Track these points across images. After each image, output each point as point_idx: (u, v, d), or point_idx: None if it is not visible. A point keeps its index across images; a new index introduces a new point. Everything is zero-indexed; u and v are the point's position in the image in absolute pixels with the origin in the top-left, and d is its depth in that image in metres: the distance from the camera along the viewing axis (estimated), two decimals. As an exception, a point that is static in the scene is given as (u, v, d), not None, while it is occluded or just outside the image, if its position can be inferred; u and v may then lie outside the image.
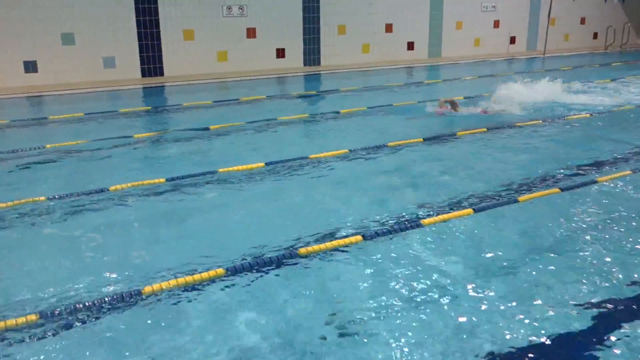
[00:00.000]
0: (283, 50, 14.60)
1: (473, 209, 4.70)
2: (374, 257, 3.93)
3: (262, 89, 11.68)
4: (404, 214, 4.70)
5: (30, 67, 11.99)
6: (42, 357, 2.87)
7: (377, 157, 6.43)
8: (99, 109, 9.57)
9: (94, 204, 5.01)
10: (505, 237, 4.28)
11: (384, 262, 3.85)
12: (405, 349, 2.89)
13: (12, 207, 4.92)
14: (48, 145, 7.05)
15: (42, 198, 5.08)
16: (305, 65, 15.00)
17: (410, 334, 3.03)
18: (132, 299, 3.38)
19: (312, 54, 15.03)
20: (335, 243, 4.09)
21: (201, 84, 12.54)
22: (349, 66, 15.07)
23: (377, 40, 15.93)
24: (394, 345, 2.93)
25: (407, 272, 3.70)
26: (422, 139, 7.12)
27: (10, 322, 3.13)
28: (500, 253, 3.98)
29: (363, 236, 4.19)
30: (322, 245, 4.04)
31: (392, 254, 3.96)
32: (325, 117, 8.85)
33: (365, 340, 2.98)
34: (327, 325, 3.13)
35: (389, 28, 16.09)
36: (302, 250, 3.97)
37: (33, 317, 3.18)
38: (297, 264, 3.84)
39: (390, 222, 4.51)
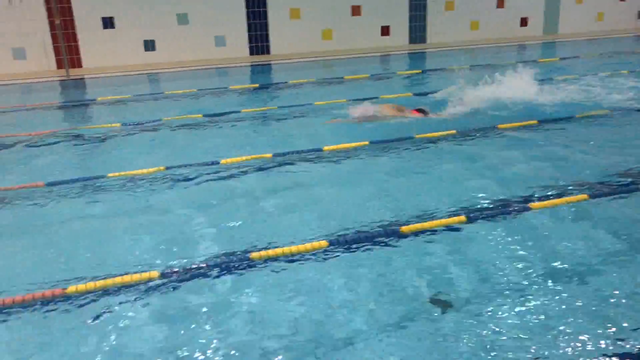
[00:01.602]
0: (388, 27, 14.46)
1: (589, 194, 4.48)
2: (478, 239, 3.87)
3: (365, 68, 11.67)
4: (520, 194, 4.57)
5: (150, 45, 12.77)
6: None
7: (486, 139, 6.26)
8: (210, 86, 10.03)
9: (207, 175, 5.30)
10: None
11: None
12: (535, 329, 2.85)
13: (143, 174, 5.32)
14: (164, 118, 7.50)
15: (162, 168, 5.45)
16: (410, 43, 14.77)
17: (531, 316, 2.97)
18: (241, 266, 3.58)
19: (417, 31, 14.76)
20: (437, 223, 4.07)
21: (306, 62, 12.73)
22: (456, 44, 14.65)
23: (487, 16, 15.32)
24: (509, 324, 2.90)
25: (517, 254, 3.62)
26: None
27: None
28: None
29: (467, 217, 4.13)
30: (426, 224, 4.04)
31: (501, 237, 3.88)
32: (428, 97, 8.69)
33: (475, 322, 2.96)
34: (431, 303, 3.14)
35: (500, 3, 15.42)
36: (404, 229, 3.98)
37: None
38: (399, 240, 3.87)
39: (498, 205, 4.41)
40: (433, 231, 3.97)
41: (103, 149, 6.44)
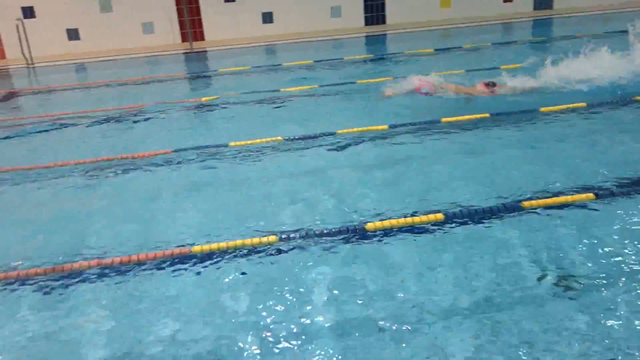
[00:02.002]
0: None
1: None
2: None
3: (486, 36, 11.17)
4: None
5: (267, 18, 13.08)
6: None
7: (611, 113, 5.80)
8: (326, 57, 10.11)
9: (322, 145, 5.39)
10: None
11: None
12: None
13: (256, 144, 5.53)
14: (282, 89, 7.68)
15: (279, 138, 5.61)
16: (535, 9, 13.90)
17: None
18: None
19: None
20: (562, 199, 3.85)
21: (422, 32, 12.43)
22: (588, 9, 13.55)
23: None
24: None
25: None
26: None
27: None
28: None
29: (596, 195, 3.87)
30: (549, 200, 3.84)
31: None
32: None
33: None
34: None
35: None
36: (526, 204, 3.81)
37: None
38: (520, 215, 3.72)
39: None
40: (559, 207, 3.76)
41: (224, 119, 6.74)
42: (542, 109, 5.90)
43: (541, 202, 3.82)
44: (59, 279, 3.37)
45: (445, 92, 6.68)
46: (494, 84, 6.63)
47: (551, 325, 2.65)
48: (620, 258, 3.16)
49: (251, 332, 2.77)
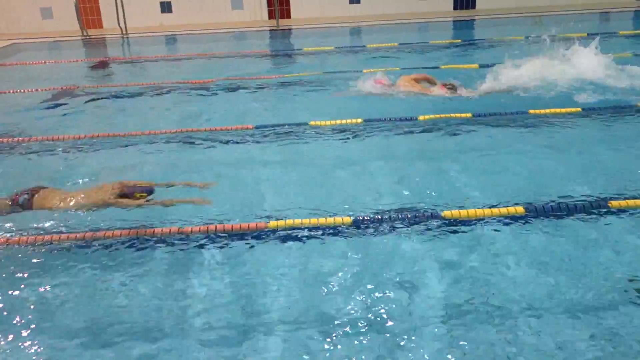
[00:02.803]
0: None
1: None
2: None
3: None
4: None
5: (354, -2, 13.04)
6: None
7: None
8: (411, 40, 9.96)
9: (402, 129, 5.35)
10: None
11: None
12: None
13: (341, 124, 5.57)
14: (365, 70, 7.63)
15: (360, 120, 5.61)
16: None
17: None
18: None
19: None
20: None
21: (512, 17, 11.95)
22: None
23: None
24: None
25: None
26: None
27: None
28: None
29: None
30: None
31: None
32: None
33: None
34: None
35: None
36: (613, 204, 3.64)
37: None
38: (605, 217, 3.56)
39: None
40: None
41: (305, 97, 6.79)
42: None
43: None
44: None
45: (399, 91, 6.34)
46: (452, 86, 6.25)
47: None
48: None
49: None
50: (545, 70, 6.46)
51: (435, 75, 6.59)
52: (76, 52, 11.22)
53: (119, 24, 12.13)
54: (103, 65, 9.69)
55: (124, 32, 12.20)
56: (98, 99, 7.07)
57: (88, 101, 6.97)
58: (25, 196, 3.84)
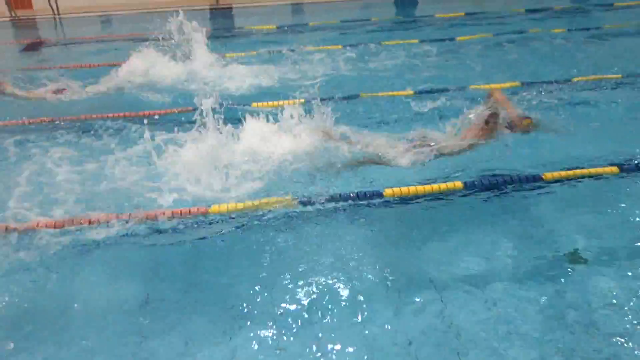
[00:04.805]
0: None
1: None
2: None
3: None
4: None
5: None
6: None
7: None
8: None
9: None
10: None
11: None
12: None
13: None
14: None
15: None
16: None
17: None
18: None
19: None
20: None
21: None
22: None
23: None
24: None
25: None
26: None
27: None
28: None
29: None
30: None
31: None
32: None
33: None
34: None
35: None
36: None
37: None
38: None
39: None
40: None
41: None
42: None
43: None
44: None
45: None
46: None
47: None
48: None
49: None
50: None
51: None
52: (3, 34, 10.67)
53: (49, 4, 11.58)
54: (33, 47, 9.23)
55: (56, 13, 11.68)
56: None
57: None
58: None
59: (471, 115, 4.17)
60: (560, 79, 5.66)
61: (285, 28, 9.43)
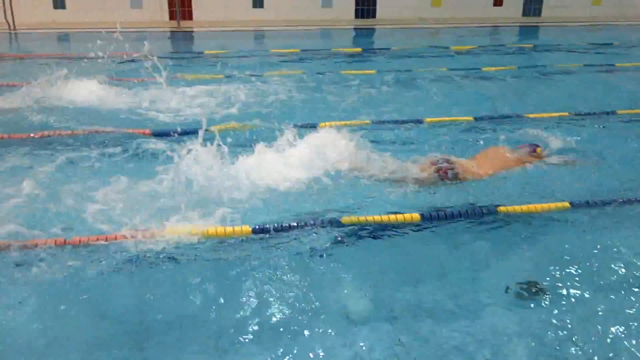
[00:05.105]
0: (502, -2, 13.77)
1: None
2: None
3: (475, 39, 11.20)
4: None
5: (258, 2, 12.98)
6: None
7: None
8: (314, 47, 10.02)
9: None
10: None
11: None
12: None
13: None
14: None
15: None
16: (523, 15, 13.98)
17: None
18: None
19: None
20: None
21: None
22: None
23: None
24: None
25: None
26: None
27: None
28: None
29: None
30: None
31: None
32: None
33: None
34: None
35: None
36: None
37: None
38: None
39: None
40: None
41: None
42: None
43: None
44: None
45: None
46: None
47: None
48: None
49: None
50: None
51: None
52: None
53: (6, 18, 11.34)
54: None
55: (12, 27, 11.44)
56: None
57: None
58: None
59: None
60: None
61: (245, 53, 9.50)
